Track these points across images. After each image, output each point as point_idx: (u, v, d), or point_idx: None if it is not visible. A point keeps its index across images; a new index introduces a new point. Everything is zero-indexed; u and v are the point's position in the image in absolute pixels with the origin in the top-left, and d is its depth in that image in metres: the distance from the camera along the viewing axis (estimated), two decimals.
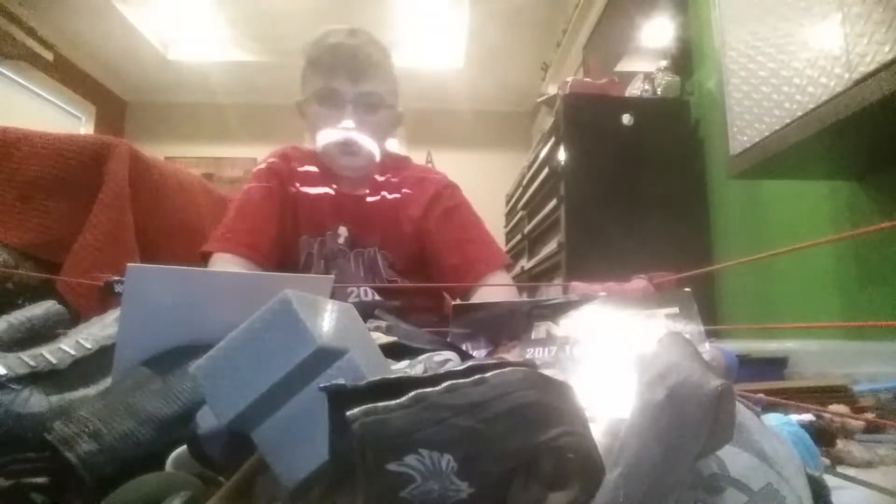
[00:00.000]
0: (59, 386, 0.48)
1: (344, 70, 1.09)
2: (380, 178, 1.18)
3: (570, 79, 2.46)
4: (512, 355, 0.68)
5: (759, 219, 1.81)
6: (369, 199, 1.15)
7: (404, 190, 1.17)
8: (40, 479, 0.41)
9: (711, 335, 0.78)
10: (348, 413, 0.30)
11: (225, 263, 1.02)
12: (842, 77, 0.97)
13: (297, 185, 1.14)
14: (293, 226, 1.12)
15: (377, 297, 1.08)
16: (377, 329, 0.66)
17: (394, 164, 1.22)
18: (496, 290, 1.08)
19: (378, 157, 1.16)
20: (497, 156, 4.61)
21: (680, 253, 1.95)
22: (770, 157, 1.21)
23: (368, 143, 1.12)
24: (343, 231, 1.11)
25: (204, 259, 1.05)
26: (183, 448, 0.45)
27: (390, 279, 1.11)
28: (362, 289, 1.08)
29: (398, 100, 1.20)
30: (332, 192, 1.14)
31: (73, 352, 0.52)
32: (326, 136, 1.11)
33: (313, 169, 1.17)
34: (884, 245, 1.32)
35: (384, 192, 1.16)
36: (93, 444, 0.41)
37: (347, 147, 1.10)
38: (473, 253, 1.12)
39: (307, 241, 1.11)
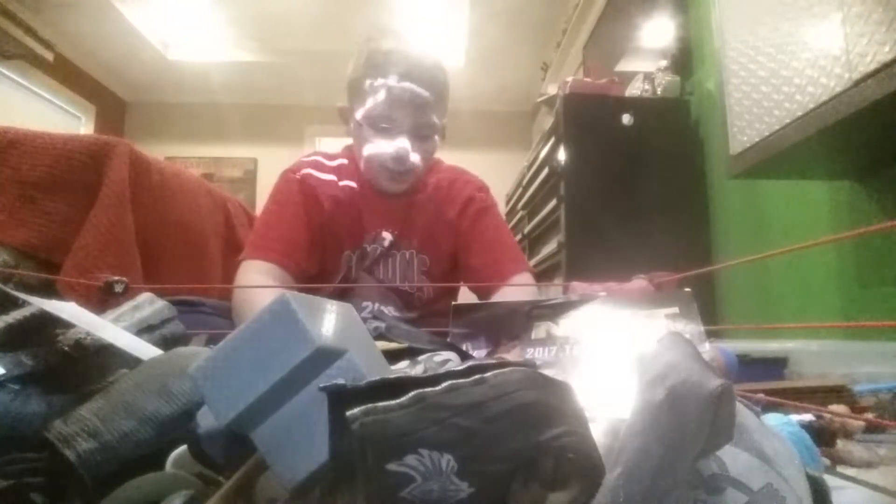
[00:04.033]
0: (58, 385, 0.48)
1: (409, 103, 1.04)
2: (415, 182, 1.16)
3: (570, 79, 2.45)
4: (512, 355, 0.67)
5: (759, 219, 1.81)
6: (405, 201, 1.13)
7: (440, 191, 1.16)
8: (39, 479, 0.41)
9: (711, 335, 0.78)
10: (348, 413, 0.30)
11: (258, 272, 1.01)
12: (842, 77, 0.97)
13: (330, 192, 1.11)
14: (333, 235, 1.09)
15: (394, 314, 1.06)
16: (376, 330, 0.66)
17: (429, 166, 1.19)
18: (519, 290, 1.07)
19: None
20: (497, 156, 4.60)
21: (680, 253, 1.95)
22: (770, 157, 1.21)
23: (417, 169, 1.10)
24: (387, 235, 1.09)
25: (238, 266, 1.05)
26: (183, 448, 0.45)
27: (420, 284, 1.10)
28: (376, 305, 1.06)
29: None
30: (367, 195, 1.12)
31: (72, 351, 0.52)
32: (377, 149, 1.07)
33: (350, 182, 1.14)
34: (884, 245, 1.31)
35: (420, 195, 1.14)
36: (92, 442, 0.41)
37: (398, 175, 1.08)
38: (502, 254, 1.13)
39: (348, 256, 1.09)
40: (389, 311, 1.06)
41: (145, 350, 0.58)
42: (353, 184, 1.13)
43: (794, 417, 0.61)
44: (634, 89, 2.31)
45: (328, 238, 1.09)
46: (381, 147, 1.06)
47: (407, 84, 1.03)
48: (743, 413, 0.36)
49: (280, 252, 1.03)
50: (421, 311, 1.09)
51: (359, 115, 1.08)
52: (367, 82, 1.06)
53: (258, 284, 0.98)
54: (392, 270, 1.10)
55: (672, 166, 2.11)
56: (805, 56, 1.09)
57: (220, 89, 4.46)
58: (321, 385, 0.33)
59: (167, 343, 0.66)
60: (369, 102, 1.06)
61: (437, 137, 1.13)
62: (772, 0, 1.21)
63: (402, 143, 1.05)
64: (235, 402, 0.37)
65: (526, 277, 1.13)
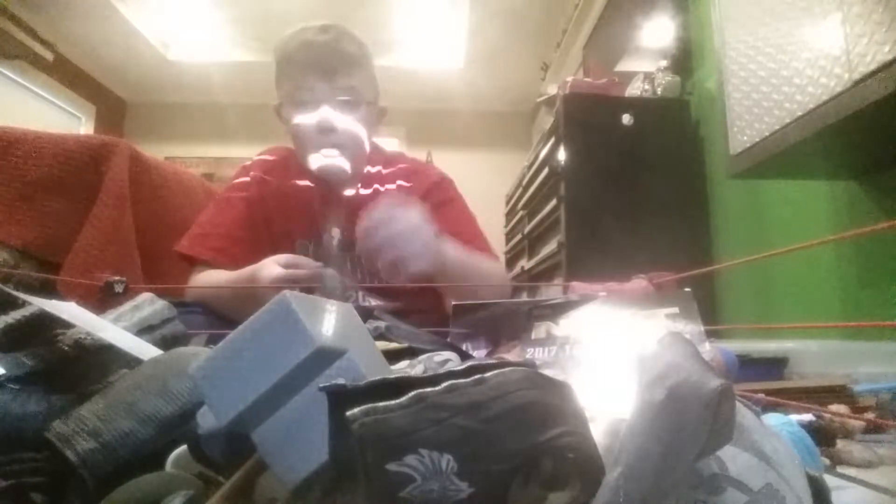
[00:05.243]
0: (58, 385, 0.48)
1: (317, 67, 1.05)
2: (371, 170, 1.15)
3: (570, 79, 2.45)
4: (512, 355, 0.68)
5: (759, 219, 1.81)
6: (363, 191, 1.11)
7: (399, 182, 1.14)
8: (39, 479, 0.41)
9: (711, 335, 0.78)
10: (348, 413, 0.30)
11: (197, 265, 1.06)
12: (842, 77, 0.97)
13: (286, 180, 1.12)
14: (285, 226, 1.10)
15: (376, 302, 1.08)
16: (376, 330, 0.66)
17: (385, 157, 1.19)
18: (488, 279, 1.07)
19: (367, 146, 1.12)
20: (497, 156, 4.60)
21: (680, 253, 1.95)
22: (770, 156, 1.21)
23: (348, 125, 1.06)
24: (336, 234, 1.09)
25: (181, 258, 1.09)
26: (183, 448, 0.45)
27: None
28: (361, 293, 1.08)
29: (378, 94, 1.16)
30: (321, 189, 1.11)
31: (72, 351, 0.52)
32: (301, 121, 1.06)
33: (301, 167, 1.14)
34: (884, 245, 1.31)
35: (377, 185, 1.13)
36: (92, 442, 0.41)
37: (324, 124, 1.05)
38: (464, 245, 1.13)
39: (303, 245, 1.10)
40: (369, 302, 1.08)
41: (145, 350, 0.58)
42: (308, 182, 1.13)
43: (794, 417, 0.61)
44: (634, 89, 2.31)
45: (275, 231, 1.11)
46: (304, 119, 1.06)
47: (314, 45, 1.06)
48: (743, 413, 0.36)
49: (215, 249, 1.07)
50: (404, 303, 1.09)
51: (281, 94, 1.11)
52: (283, 61, 1.10)
53: (257, 284, 0.98)
54: (352, 268, 1.11)
55: (672, 166, 2.11)
56: (805, 56, 1.09)
57: (220, 89, 4.45)
58: (321, 385, 0.33)
59: (167, 343, 0.66)
60: (286, 76, 1.09)
61: (368, 109, 1.11)
62: (772, 0, 1.21)
63: (324, 112, 1.05)
64: (235, 402, 0.37)
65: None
